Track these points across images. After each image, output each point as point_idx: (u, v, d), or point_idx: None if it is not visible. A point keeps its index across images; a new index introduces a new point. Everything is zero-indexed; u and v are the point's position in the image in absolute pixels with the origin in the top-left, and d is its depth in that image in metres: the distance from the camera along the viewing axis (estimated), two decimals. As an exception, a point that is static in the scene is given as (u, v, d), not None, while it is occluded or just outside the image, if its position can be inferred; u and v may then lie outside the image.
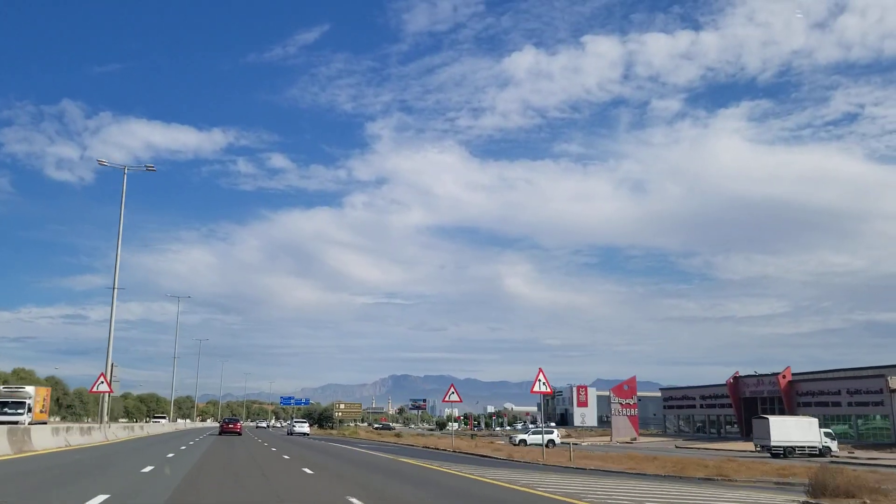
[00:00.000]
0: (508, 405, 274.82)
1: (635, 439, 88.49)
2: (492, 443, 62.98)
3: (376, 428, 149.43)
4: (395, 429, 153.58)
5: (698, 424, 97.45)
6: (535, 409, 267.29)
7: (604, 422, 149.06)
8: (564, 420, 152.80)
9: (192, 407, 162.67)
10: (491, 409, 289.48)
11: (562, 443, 67.04)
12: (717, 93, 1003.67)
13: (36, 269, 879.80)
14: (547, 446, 46.42)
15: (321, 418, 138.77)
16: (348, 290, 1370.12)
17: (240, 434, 59.37)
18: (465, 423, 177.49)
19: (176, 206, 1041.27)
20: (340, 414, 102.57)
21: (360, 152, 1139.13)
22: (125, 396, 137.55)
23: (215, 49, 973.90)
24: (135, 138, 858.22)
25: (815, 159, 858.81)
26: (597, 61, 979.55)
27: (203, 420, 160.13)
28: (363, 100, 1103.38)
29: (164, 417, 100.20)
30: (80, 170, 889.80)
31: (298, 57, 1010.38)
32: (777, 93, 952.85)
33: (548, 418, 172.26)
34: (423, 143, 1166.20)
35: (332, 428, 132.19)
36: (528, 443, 61.13)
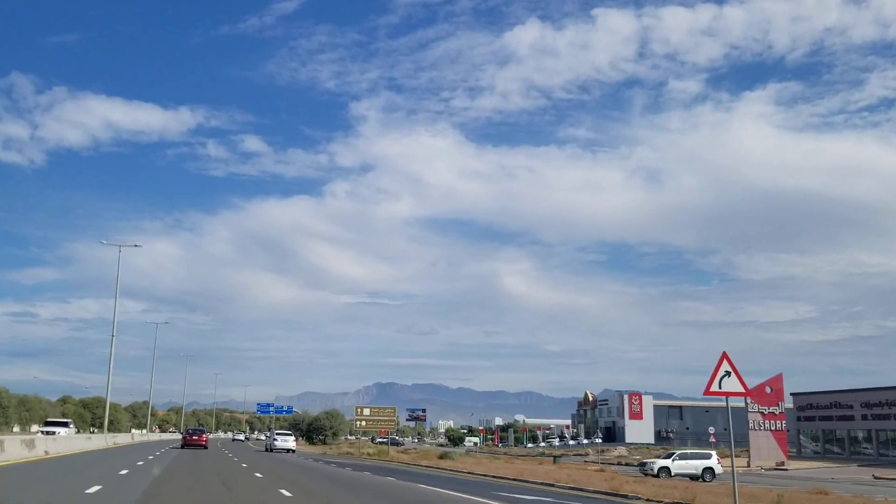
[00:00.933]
0: (520, 417, 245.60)
1: (783, 464, 59.42)
2: (602, 470, 44.68)
3: (380, 443, 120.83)
4: (403, 443, 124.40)
5: (863, 444, 68.56)
6: (553, 422, 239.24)
7: (663, 437, 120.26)
8: (612, 435, 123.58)
9: (147, 415, 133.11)
10: (500, 420, 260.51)
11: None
12: (741, 73, 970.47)
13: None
14: (703, 478, 39.37)
15: (310, 430, 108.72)
16: (329, 289, 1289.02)
17: (205, 447, 53.15)
18: (484, 438, 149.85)
19: (138, 193, 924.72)
20: (364, 423, 72.89)
21: (344, 135, 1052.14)
22: (64, 401, 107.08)
23: (184, 19, 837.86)
24: (92, 116, 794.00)
25: (849, 148, 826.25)
26: (608, 37, 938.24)
27: (163, 431, 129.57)
28: (348, 77, 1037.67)
29: (65, 425, 58.86)
30: (31, 151, 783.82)
31: (276, 28, 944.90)
32: (807, 74, 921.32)
33: (587, 433, 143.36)
34: (414, 125, 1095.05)
35: (323, 442, 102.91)
36: (673, 472, 42.22)
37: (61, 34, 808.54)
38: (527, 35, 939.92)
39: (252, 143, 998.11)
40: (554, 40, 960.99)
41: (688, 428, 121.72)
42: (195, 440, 53.85)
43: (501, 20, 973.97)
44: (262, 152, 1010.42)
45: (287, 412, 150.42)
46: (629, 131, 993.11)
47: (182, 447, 52.49)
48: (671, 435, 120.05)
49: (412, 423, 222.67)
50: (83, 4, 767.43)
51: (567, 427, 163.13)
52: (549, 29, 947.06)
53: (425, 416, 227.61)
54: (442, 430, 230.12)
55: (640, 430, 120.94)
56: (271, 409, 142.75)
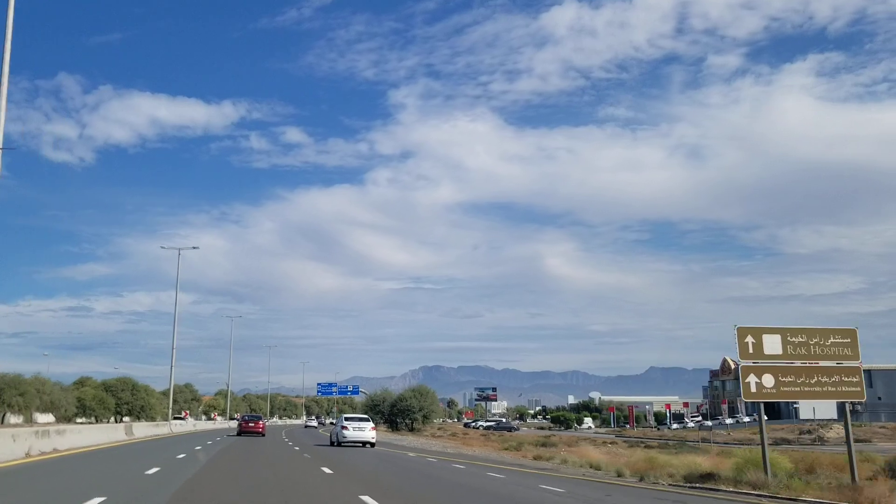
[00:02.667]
0: (595, 394, 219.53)
1: None
2: None
3: (487, 428, 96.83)
4: (517, 428, 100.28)
5: None
6: (649, 398, 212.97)
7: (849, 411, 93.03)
8: (774, 412, 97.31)
9: (193, 399, 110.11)
10: (572, 399, 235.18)
11: None
12: (781, 46, 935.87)
13: (34, 259, 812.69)
14: None
15: (394, 413, 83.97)
16: (372, 275, 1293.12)
17: (263, 435, 49.21)
18: (601, 421, 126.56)
19: (184, 187, 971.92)
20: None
21: (383, 123, 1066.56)
22: (79, 383, 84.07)
23: (223, 14, 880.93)
24: (138, 114, 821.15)
25: (893, 118, 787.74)
26: (646, 14, 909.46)
27: (209, 418, 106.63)
28: (385, 65, 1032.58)
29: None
30: (80, 149, 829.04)
31: (314, 20, 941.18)
32: (849, 44, 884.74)
33: (712, 414, 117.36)
34: (453, 111, 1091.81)
35: (410, 429, 78.93)
36: None
37: (105, 34, 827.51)
38: (564, 16, 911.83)
39: (293, 134, 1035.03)
40: (592, 20, 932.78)
41: (879, 398, 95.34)
42: (251, 427, 50.97)
43: (538, 2, 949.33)
44: (304, 143, 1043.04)
45: (353, 393, 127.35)
46: (669, 108, 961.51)
47: (238, 434, 50.19)
48: (858, 407, 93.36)
49: (485, 403, 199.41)
50: (125, 3, 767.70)
51: (685, 405, 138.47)
52: (586, 8, 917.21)
53: (496, 395, 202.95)
54: (497, 412, 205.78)
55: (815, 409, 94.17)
56: (334, 389, 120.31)
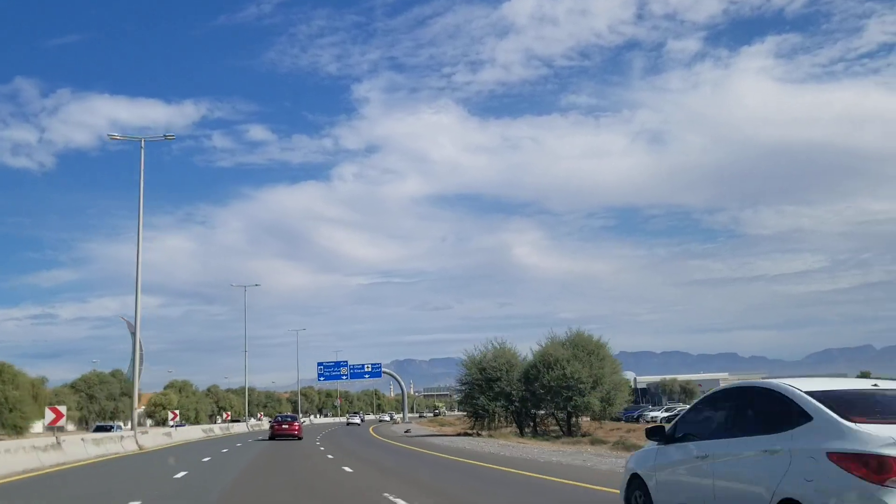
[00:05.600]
0: (630, 373, 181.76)
1: None
2: None
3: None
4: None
5: None
6: (695, 377, 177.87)
7: None
8: None
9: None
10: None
11: None
12: (740, 28, 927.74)
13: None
14: None
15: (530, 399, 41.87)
16: (342, 271, 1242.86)
17: (299, 438, 41.82)
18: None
19: (147, 189, 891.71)
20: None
21: (347, 118, 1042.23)
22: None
23: (182, 13, 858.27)
24: (97, 116, 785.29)
25: (851, 97, 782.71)
26: (607, 1, 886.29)
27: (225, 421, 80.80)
28: (348, 59, 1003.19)
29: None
30: (39, 154, 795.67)
31: (275, 15, 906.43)
32: (806, 25, 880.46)
33: None
34: (417, 103, 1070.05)
35: (568, 430, 41.30)
36: None
37: (62, 36, 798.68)
38: (525, 4, 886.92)
39: (257, 131, 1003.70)
40: (553, 8, 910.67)
41: None
42: (285, 430, 42.70)
43: None
44: (268, 140, 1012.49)
45: (374, 374, 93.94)
46: (630, 95, 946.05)
47: (270, 438, 42.24)
48: None
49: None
50: (82, 5, 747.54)
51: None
52: None
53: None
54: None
55: None
56: (343, 370, 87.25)
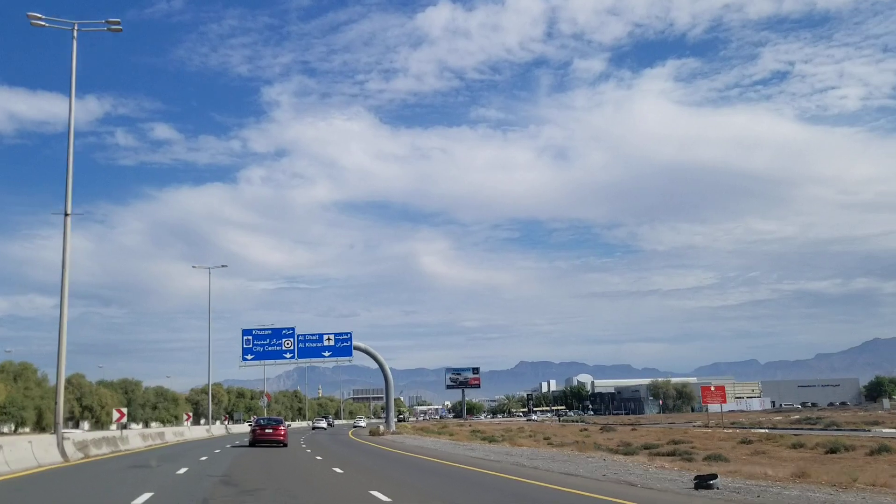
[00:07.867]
0: (586, 376, 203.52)
1: None
2: None
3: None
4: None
5: None
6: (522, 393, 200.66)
7: None
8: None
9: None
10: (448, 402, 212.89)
11: None
12: (643, 51, 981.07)
13: None
14: None
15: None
16: (246, 276, 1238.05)
17: (284, 444, 36.92)
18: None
19: (44, 185, 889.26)
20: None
21: (256, 121, 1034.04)
22: None
23: (87, 5, 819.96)
24: None
25: (744, 121, 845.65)
26: (517, 17, 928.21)
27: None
28: (260, 61, 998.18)
29: None
30: None
31: (185, 13, 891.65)
32: (705, 51, 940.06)
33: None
34: (328, 109, 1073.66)
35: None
36: None
37: None
38: (439, 16, 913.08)
39: (162, 130, 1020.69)
40: (465, 21, 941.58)
41: None
42: (269, 435, 37.68)
43: (414, 2, 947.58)
44: (173, 140, 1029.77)
45: (342, 352, 65.89)
46: (537, 111, 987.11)
47: (251, 444, 36.68)
48: None
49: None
50: None
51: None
52: (460, 10, 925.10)
53: (479, 379, 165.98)
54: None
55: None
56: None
